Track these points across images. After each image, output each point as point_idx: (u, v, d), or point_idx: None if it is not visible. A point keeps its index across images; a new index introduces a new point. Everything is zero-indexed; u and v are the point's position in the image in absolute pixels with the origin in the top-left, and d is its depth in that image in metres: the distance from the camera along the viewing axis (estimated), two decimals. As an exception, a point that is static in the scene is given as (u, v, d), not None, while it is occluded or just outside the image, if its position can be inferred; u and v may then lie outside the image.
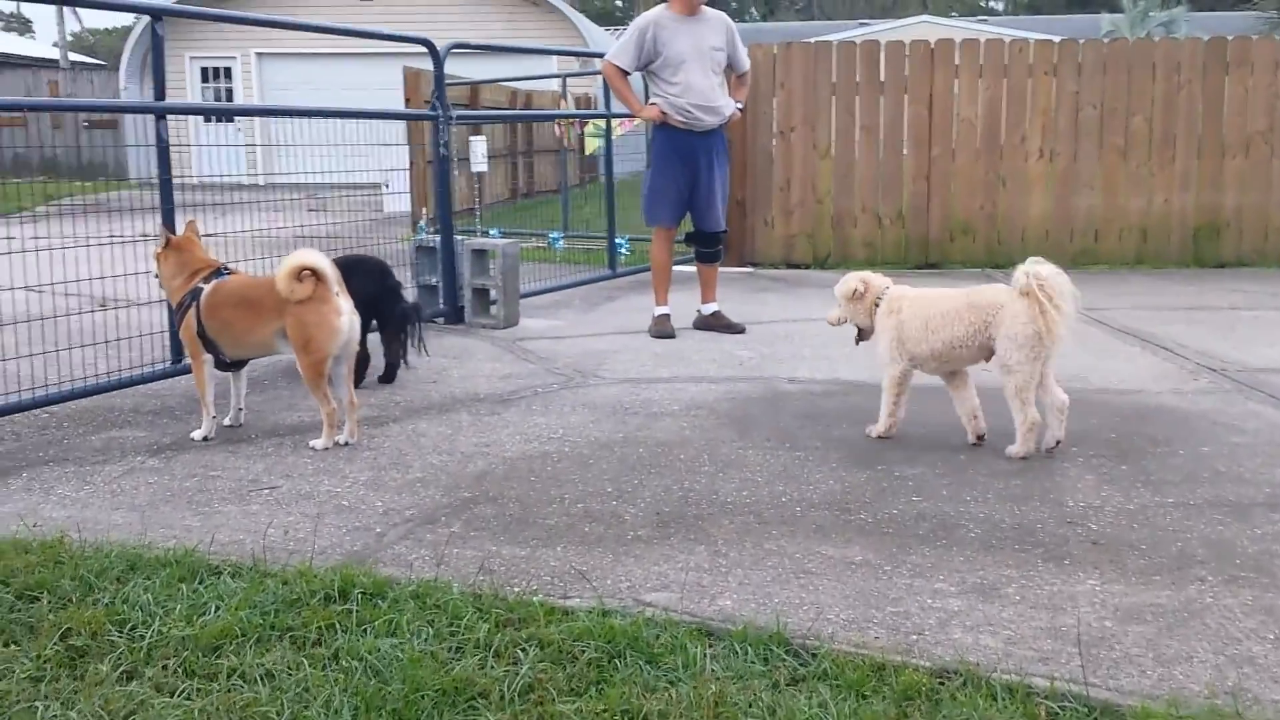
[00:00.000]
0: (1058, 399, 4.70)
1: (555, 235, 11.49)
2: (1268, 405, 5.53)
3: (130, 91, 26.98)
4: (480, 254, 7.66)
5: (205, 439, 4.99)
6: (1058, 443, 4.71)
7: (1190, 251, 10.67)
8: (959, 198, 10.70)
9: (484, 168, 13.30)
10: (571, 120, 11.57)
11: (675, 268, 7.94)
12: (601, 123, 11.43)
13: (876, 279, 5.16)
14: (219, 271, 5.02)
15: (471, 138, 13.45)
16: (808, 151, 10.71)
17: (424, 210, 14.02)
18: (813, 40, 11.04)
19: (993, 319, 4.68)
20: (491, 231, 12.14)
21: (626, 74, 7.37)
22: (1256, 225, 10.63)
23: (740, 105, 7.63)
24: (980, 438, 4.91)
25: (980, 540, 3.79)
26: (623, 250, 10.89)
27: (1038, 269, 4.56)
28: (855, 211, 10.74)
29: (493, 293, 7.64)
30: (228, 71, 27.75)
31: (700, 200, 7.44)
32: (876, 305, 5.08)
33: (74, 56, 37.99)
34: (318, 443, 4.87)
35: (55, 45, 37.95)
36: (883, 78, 10.62)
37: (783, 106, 10.73)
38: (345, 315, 4.80)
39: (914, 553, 3.68)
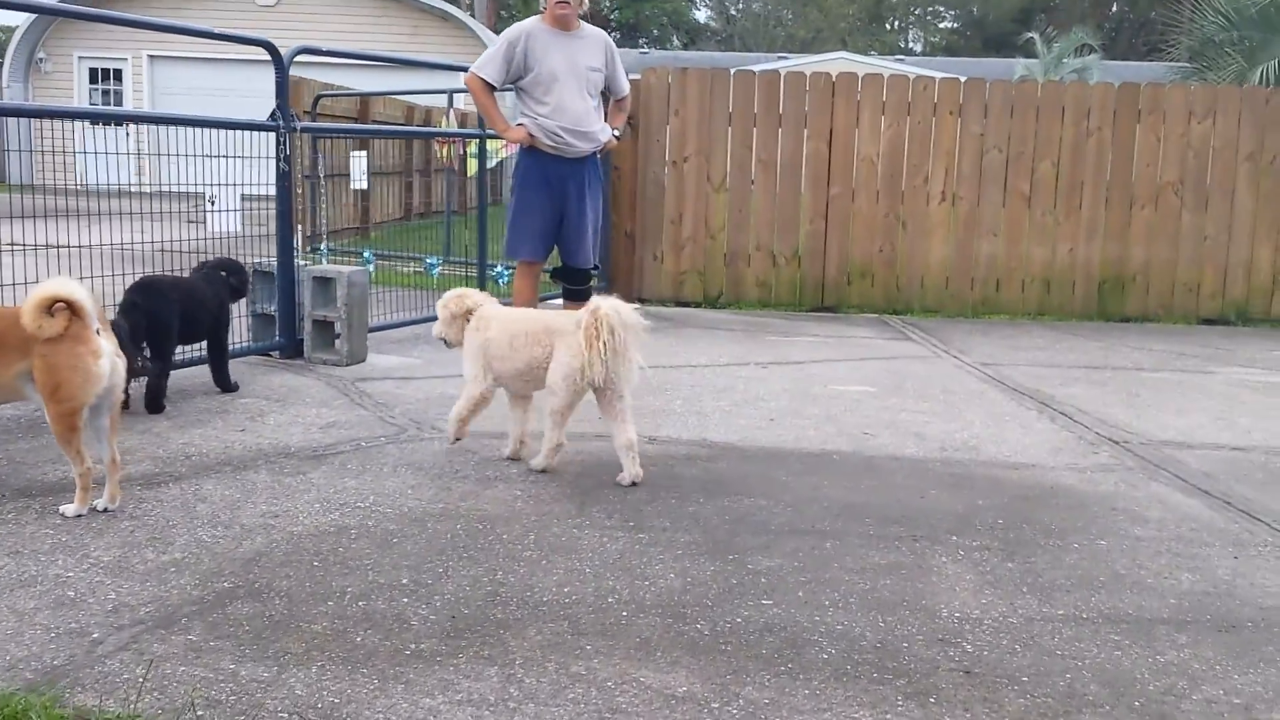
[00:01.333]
0: (624, 437, 4.73)
1: (433, 261, 10.73)
2: (1173, 489, 4.97)
3: (13, 90, 25.68)
4: (324, 281, 6.90)
5: (-66, 499, 4.17)
6: (634, 483, 4.70)
7: (1095, 305, 10.24)
8: (858, 239, 10.17)
9: (363, 184, 12.59)
10: (450, 139, 10.86)
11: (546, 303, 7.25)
12: (490, 144, 10.72)
13: (474, 295, 5.15)
14: (-39, 299, 4.21)
15: (353, 153, 12.73)
16: (701, 183, 10.11)
17: (299, 228, 13.24)
18: (709, 67, 10.44)
19: (554, 344, 4.76)
20: (365, 254, 11.36)
21: (493, 89, 6.68)
22: (1164, 280, 10.23)
23: (617, 132, 6.98)
24: (515, 458, 5.03)
25: (833, 665, 3.13)
26: (502, 282, 10.18)
27: (598, 303, 4.59)
28: (749, 249, 10.15)
29: (336, 325, 6.88)
30: (118, 73, 26.56)
31: (569, 233, 6.76)
32: (468, 321, 5.05)
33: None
34: (69, 509, 4.07)
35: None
36: (782, 109, 10.06)
37: (676, 135, 10.11)
38: (105, 358, 4.02)
39: (751, 681, 3.01)
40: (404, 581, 3.59)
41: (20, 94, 25.65)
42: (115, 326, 5.55)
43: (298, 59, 6.90)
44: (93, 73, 26.55)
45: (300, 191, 12.77)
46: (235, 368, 6.45)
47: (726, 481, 4.83)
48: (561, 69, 6.55)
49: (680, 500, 4.54)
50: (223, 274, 6.21)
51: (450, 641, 3.18)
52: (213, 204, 6.19)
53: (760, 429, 5.78)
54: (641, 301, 10.17)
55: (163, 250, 6.51)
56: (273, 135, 6.76)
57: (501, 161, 11.88)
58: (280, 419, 5.58)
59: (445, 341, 5.19)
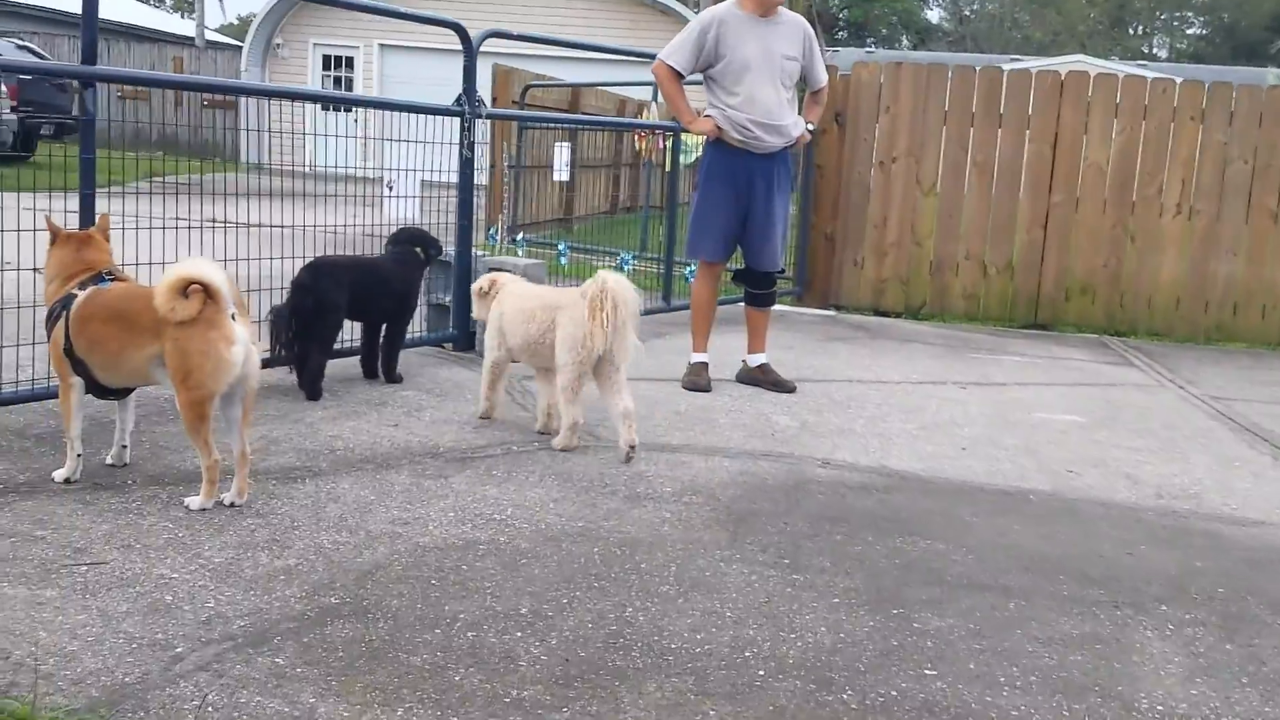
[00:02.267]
0: (621, 406, 4.81)
1: (626, 257, 10.44)
2: None
3: (251, 74, 26.78)
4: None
5: (67, 480, 4.05)
6: (631, 448, 4.77)
7: (1348, 336, 9.17)
8: (1079, 252, 9.38)
9: (564, 176, 12.41)
10: (649, 131, 10.54)
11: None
12: (687, 138, 10.36)
13: (503, 277, 5.37)
14: (102, 277, 4.08)
15: (557, 144, 12.58)
16: (910, 186, 9.50)
17: (499, 217, 13.18)
18: (926, 62, 9.79)
19: (556, 318, 4.91)
20: (560, 246, 11.15)
21: (681, 77, 6.30)
22: None
23: (811, 126, 6.50)
24: (544, 431, 5.13)
25: (1001, 763, 2.62)
26: (690, 281, 9.80)
27: (603, 276, 4.76)
28: (958, 258, 9.48)
29: (510, 320, 6.62)
30: (350, 61, 27.40)
31: (754, 234, 6.32)
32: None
33: (211, 37, 38.25)
34: (194, 502, 3.89)
35: (194, 22, 38.25)
36: (1003, 109, 9.35)
37: (886, 133, 9.53)
38: (239, 345, 3.81)
39: (898, 776, 2.53)
40: (523, 611, 3.25)
41: (257, 78, 26.72)
42: (274, 310, 5.45)
43: (516, 50, 6.67)
44: (326, 59, 27.44)
45: (505, 180, 12.79)
46: (405, 358, 6.27)
47: (902, 518, 4.32)
48: (755, 57, 6.11)
49: (847, 537, 4.06)
50: (415, 250, 6.04)
51: (557, 690, 2.81)
52: (390, 189, 5.99)
53: (949, 458, 5.23)
54: (838, 309, 9.65)
55: (332, 233, 6.38)
56: (459, 121, 6.54)
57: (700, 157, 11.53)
58: (436, 415, 5.34)
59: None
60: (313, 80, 27.01)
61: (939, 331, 9.00)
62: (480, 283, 5.39)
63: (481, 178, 7.25)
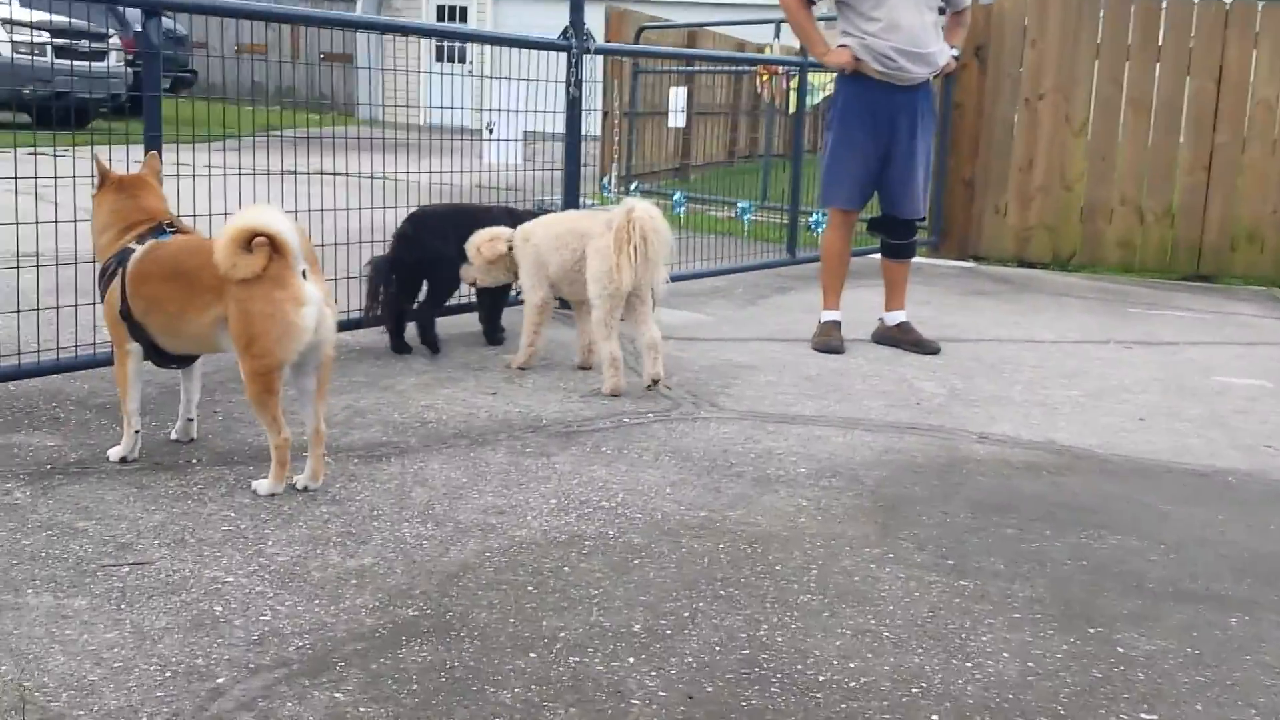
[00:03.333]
0: (648, 336, 4.63)
1: (746, 206, 9.79)
2: None
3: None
4: (610, 225, 6.08)
5: (123, 460, 3.60)
6: (654, 381, 4.62)
7: None
8: (1247, 197, 8.46)
9: (680, 122, 11.77)
10: (772, 69, 9.83)
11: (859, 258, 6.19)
12: (813, 77, 9.66)
13: (504, 232, 5.00)
14: (163, 229, 3.60)
15: (673, 88, 11.94)
16: (1058, 125, 8.66)
17: (613, 165, 12.60)
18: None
19: (585, 248, 4.66)
20: (676, 196, 10.54)
21: (811, 3, 5.63)
22: None
23: (956, 52, 5.77)
24: (585, 366, 5.00)
25: None
26: (818, 231, 9.13)
27: (630, 204, 4.50)
28: (1112, 203, 8.64)
29: (622, 275, 6.05)
30: (464, 11, 27.00)
31: (894, 178, 5.63)
32: (510, 252, 4.94)
33: (325, -9, 38.10)
34: (262, 485, 3.41)
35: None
36: (1161, 41, 8.45)
37: (1032, 68, 8.70)
38: (310, 306, 3.31)
39: None
40: (635, 628, 2.69)
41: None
42: (372, 262, 4.97)
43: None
44: (439, 10, 27.08)
45: (616, 125, 12.20)
46: (507, 317, 5.76)
47: (1081, 506, 3.66)
48: (896, -23, 5.40)
49: (1019, 530, 3.42)
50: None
51: (678, 739, 2.25)
52: (490, 132, 5.45)
53: (1125, 432, 4.53)
54: (977, 260, 8.90)
55: (434, 182, 5.86)
56: (564, 58, 5.97)
57: (829, 97, 10.78)
58: (540, 382, 4.81)
59: (474, 284, 5.15)
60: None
61: (1092, 284, 8.19)
62: (480, 245, 4.95)
63: (592, 123, 6.69)
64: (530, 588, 2.88)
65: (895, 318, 5.84)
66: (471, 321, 5.70)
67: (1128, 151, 8.59)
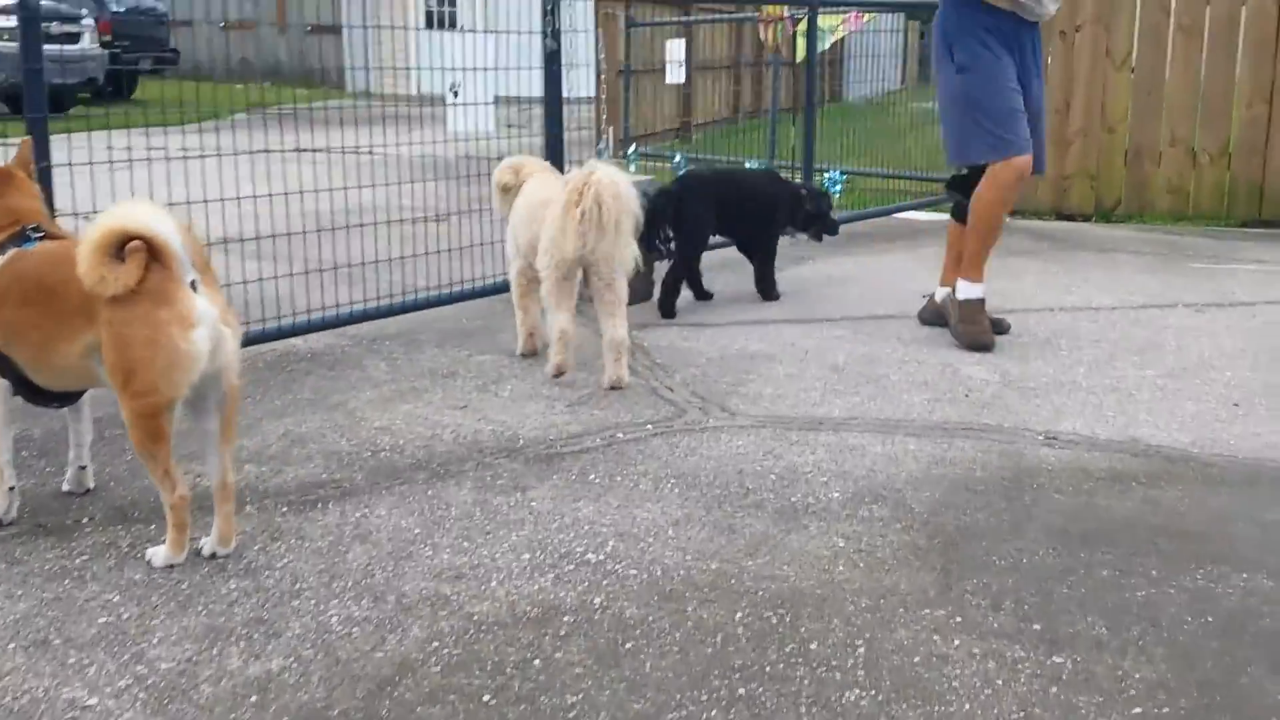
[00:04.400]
0: (610, 335, 4.04)
1: (752, 165, 9.02)
2: None
3: (353, -5, 25.61)
4: (601, 196, 5.33)
5: (-3, 523, 2.90)
6: (613, 387, 4.02)
7: None
8: (1312, 130, 7.64)
9: (679, 79, 10.99)
10: (776, 15, 8.99)
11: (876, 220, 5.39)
12: (824, 20, 8.84)
13: (532, 163, 4.53)
14: (26, 235, 2.87)
15: (669, 41, 11.14)
16: (1098, 59, 7.84)
17: (609, 129, 11.81)
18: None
19: (543, 215, 4.10)
20: (677, 158, 9.78)
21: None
22: None
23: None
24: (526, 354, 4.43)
25: None
26: (836, 190, 8.35)
27: (593, 166, 3.97)
28: (1160, 145, 7.82)
29: (617, 252, 5.31)
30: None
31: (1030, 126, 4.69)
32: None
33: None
34: (158, 555, 2.71)
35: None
36: (1213, -42, 7.62)
37: (1065, -2, 7.86)
38: (203, 327, 2.58)
39: None
40: (625, 759, 1.97)
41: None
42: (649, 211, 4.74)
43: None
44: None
45: (602, 83, 11.41)
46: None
47: (1189, 531, 2.93)
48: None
49: (1118, 572, 2.69)
50: (801, 191, 5.76)
51: None
52: (455, 94, 4.70)
53: (1221, 422, 3.78)
54: (1011, 214, 8.08)
55: (380, 155, 5.13)
56: (556, 2, 5.20)
57: (841, 41, 9.93)
58: (520, 388, 4.08)
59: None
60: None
61: (1142, 236, 7.40)
62: (501, 173, 4.48)
63: (581, 81, 5.95)
64: (487, 696, 2.17)
65: (970, 290, 4.79)
66: (445, 317, 4.99)
67: (1177, 85, 7.76)
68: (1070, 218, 7.98)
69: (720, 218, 5.36)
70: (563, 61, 5.24)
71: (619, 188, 3.86)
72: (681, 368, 4.35)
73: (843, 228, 7.42)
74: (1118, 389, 4.13)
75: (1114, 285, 5.86)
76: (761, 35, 9.63)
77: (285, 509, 3.02)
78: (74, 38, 16.13)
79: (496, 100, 5.06)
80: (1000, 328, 4.81)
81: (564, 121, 5.31)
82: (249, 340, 4.26)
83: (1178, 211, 7.83)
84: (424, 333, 4.78)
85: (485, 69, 4.89)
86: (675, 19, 11.85)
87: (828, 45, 9.03)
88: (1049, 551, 2.80)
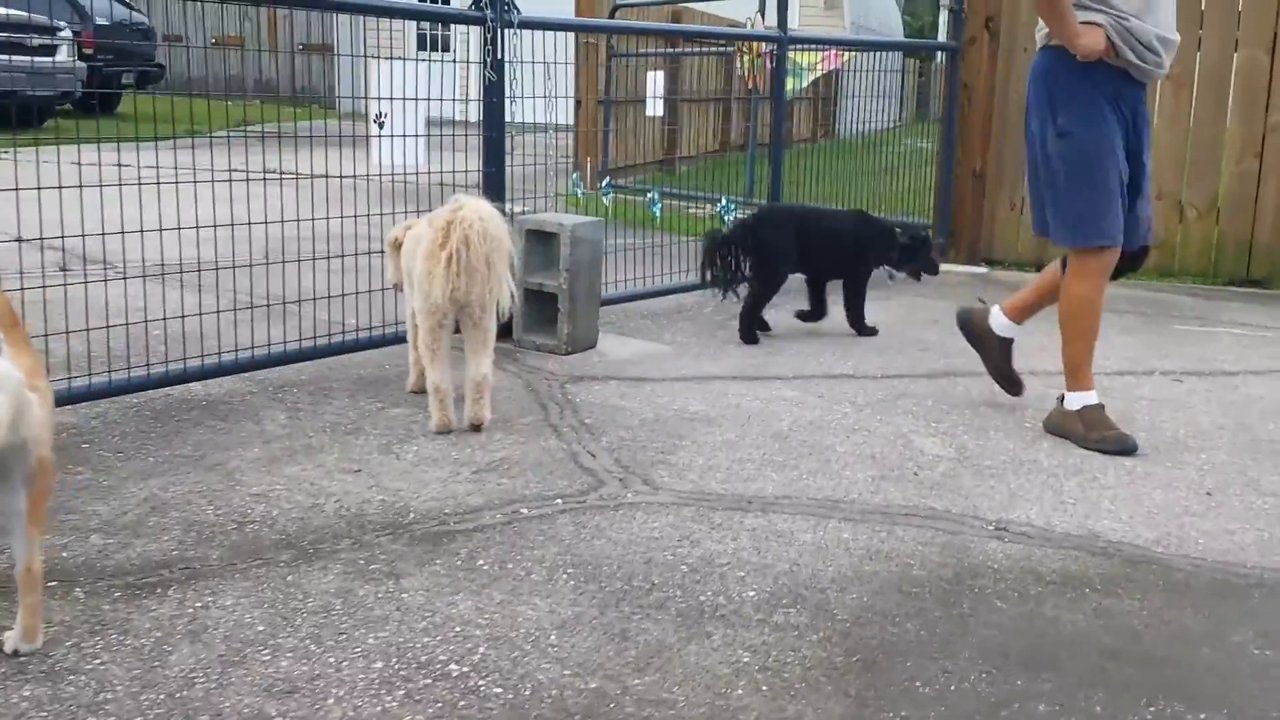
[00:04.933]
0: (473, 371, 3.83)
1: (725, 204, 8.69)
2: None
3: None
4: (543, 238, 4.99)
5: None
6: (474, 427, 3.84)
7: None
8: (1305, 187, 7.32)
9: (659, 110, 10.70)
10: (751, 48, 8.63)
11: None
12: (800, 57, 8.54)
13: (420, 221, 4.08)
14: None
15: (649, 73, 10.86)
16: (1082, 108, 7.51)
17: (587, 160, 11.48)
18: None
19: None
20: (652, 194, 9.45)
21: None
22: None
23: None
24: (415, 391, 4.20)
25: None
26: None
27: (462, 202, 3.68)
28: (1145, 197, 7.48)
29: (560, 298, 4.97)
30: (448, -4, 25.82)
31: (1134, 192, 4.15)
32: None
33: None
34: (-61, 659, 2.33)
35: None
36: (1204, 5, 7.30)
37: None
38: (2, 394, 2.22)
39: None
40: None
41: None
42: (708, 235, 5.31)
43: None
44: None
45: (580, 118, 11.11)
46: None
47: (1144, 655, 2.57)
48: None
49: (1057, 707, 2.33)
50: (894, 231, 5.71)
51: None
52: (380, 125, 4.36)
53: (1191, 515, 3.43)
54: (989, 264, 7.79)
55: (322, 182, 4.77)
56: (497, 31, 4.86)
57: (817, 81, 9.63)
58: (427, 449, 3.71)
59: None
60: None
61: (1126, 293, 7.02)
62: (394, 233, 4.20)
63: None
64: None
65: (1083, 399, 4.19)
66: (367, 361, 4.64)
67: (1165, 137, 7.43)
68: (1051, 270, 7.63)
69: (802, 254, 5.45)
70: (506, 94, 4.90)
71: (487, 225, 3.67)
72: (610, 430, 3.99)
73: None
74: (1081, 471, 3.78)
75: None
76: (739, 66, 9.32)
77: (118, 594, 2.65)
78: (50, 50, 15.83)
79: (430, 130, 4.72)
80: (1127, 446, 4.04)
81: (507, 157, 4.96)
82: (140, 386, 3.93)
83: (1164, 267, 7.50)
84: (339, 379, 4.43)
85: (418, 98, 4.54)
86: (657, 50, 11.53)
87: (805, 83, 8.72)
88: (982, 677, 2.43)
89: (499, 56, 4.85)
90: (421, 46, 20.94)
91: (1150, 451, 4.00)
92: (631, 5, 11.83)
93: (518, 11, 4.92)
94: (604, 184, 10.18)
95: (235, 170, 4.71)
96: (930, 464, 3.80)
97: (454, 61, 4.77)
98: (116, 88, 18.93)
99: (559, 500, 3.33)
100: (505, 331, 5.12)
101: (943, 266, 7.69)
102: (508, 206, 5.08)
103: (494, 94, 4.88)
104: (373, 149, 4.45)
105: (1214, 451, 4.02)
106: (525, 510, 3.25)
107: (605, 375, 4.72)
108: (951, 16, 7.70)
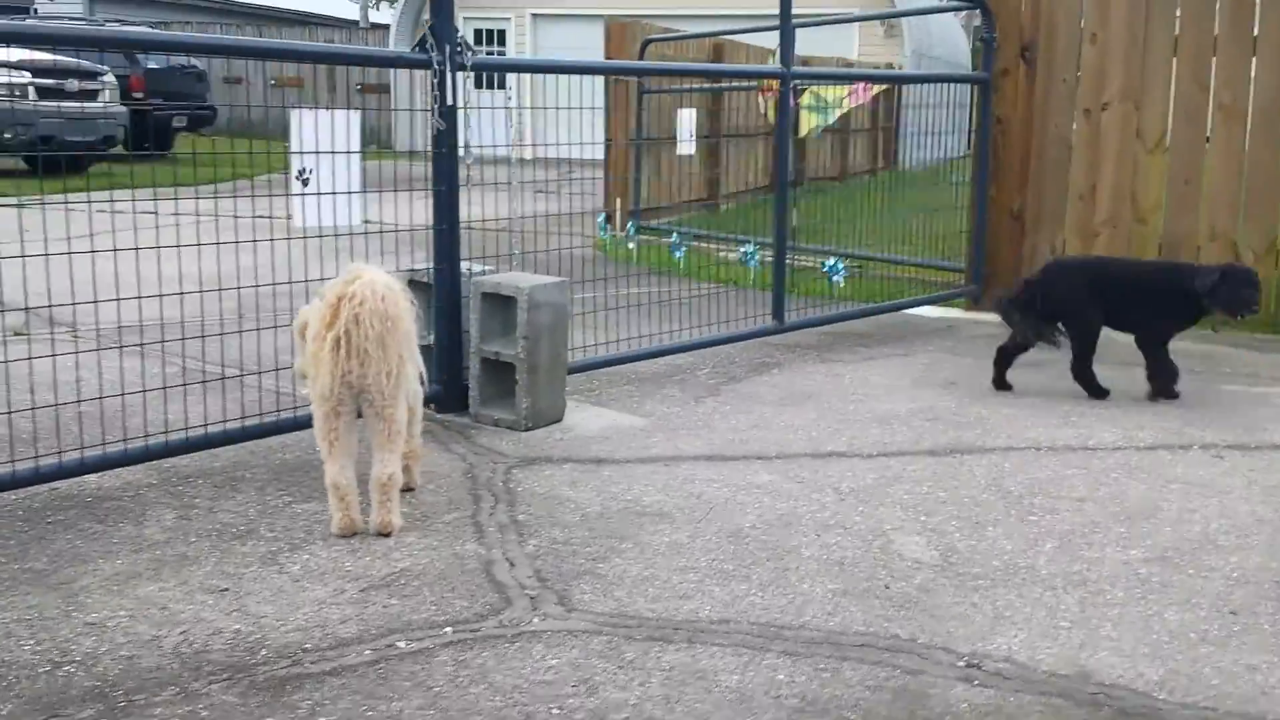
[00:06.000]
0: (377, 471, 3.33)
1: (749, 249, 8.18)
2: None
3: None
4: (500, 301, 4.53)
5: None
6: (380, 534, 3.32)
7: None
8: (1377, 225, 6.63)
9: (689, 150, 10.21)
10: (767, 86, 8.15)
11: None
12: (826, 91, 8.00)
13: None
14: None
15: (679, 110, 10.38)
16: (1128, 141, 6.91)
17: (618, 200, 11.03)
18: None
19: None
20: (674, 237, 8.98)
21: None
22: None
23: None
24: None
25: None
26: (837, 279, 7.48)
27: (356, 271, 3.25)
28: (1199, 238, 6.84)
29: (517, 369, 4.49)
30: (502, 35, 25.72)
31: None
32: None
33: (377, 18, 37.20)
34: None
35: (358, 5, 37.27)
36: (1258, 28, 6.67)
37: (1092, 70, 6.97)
38: None
39: None
40: None
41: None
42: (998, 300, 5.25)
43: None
44: (477, 34, 25.83)
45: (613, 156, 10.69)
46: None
47: None
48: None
49: None
50: (1218, 275, 5.03)
51: None
52: (304, 183, 3.92)
53: (1210, 645, 2.84)
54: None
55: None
56: (448, 75, 4.43)
57: (844, 117, 9.09)
58: (319, 559, 3.24)
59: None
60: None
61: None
62: (302, 315, 3.59)
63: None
64: None
65: None
66: (299, 443, 4.20)
67: (1219, 172, 6.80)
68: (1096, 318, 7.00)
69: (1107, 309, 5.17)
70: (458, 142, 4.45)
71: (382, 302, 3.22)
72: (544, 529, 3.49)
73: (828, 328, 6.57)
74: (1085, 581, 3.20)
75: (1123, 415, 4.91)
76: (760, 106, 8.80)
77: None
78: (92, 95, 15.81)
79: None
80: None
81: (456, 212, 4.51)
82: (27, 480, 3.52)
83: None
84: (258, 465, 3.99)
85: (348, 151, 4.10)
86: (689, 87, 11.08)
87: (832, 119, 8.19)
88: None
89: (450, 102, 4.40)
90: (478, 85, 20.83)
91: (1173, 552, 3.41)
92: (664, 40, 11.40)
93: (472, 52, 4.47)
94: (630, 227, 9.75)
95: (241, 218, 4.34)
96: (907, 573, 3.24)
97: (409, 110, 4.30)
98: (169, 129, 18.93)
99: (448, 629, 2.83)
100: (463, 405, 4.66)
101: (978, 316, 7.12)
102: (464, 267, 4.63)
103: (443, 143, 4.43)
104: (294, 207, 4.01)
105: (1248, 553, 3.42)
106: (403, 644, 2.75)
107: (563, 456, 4.22)
108: (984, 45, 7.12)
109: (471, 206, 4.65)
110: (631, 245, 9.57)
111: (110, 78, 16.29)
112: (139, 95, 18.59)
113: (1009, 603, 3.06)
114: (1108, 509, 3.77)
